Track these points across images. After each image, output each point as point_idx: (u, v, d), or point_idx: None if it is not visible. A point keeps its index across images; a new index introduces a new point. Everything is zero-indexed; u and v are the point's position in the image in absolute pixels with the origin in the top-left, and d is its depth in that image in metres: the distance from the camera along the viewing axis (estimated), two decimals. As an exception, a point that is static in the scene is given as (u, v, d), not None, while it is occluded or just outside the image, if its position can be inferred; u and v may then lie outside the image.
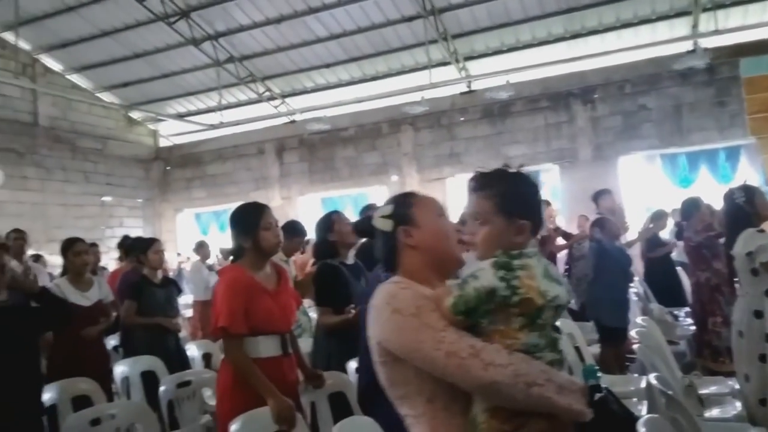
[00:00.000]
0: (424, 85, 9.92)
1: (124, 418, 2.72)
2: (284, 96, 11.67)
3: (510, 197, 1.37)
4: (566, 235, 6.44)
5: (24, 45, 10.44)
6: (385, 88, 10.83)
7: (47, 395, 2.99)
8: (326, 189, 11.82)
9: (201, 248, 7.70)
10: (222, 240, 10.41)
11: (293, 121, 11.99)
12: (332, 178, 11.70)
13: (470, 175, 1.45)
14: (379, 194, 10.62)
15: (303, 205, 11.76)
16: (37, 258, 7.26)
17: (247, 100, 11.85)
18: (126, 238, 6.23)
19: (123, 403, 3.01)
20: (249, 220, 2.56)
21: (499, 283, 1.28)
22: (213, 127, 11.96)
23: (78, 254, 4.07)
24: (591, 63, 9.61)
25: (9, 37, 10.20)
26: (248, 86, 11.33)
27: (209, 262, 7.73)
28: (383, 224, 1.53)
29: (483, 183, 1.41)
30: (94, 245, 6.47)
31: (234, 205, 2.73)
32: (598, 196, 5.36)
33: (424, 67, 9.85)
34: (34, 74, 10.99)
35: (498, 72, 9.90)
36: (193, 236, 11.91)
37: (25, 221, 8.78)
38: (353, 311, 2.87)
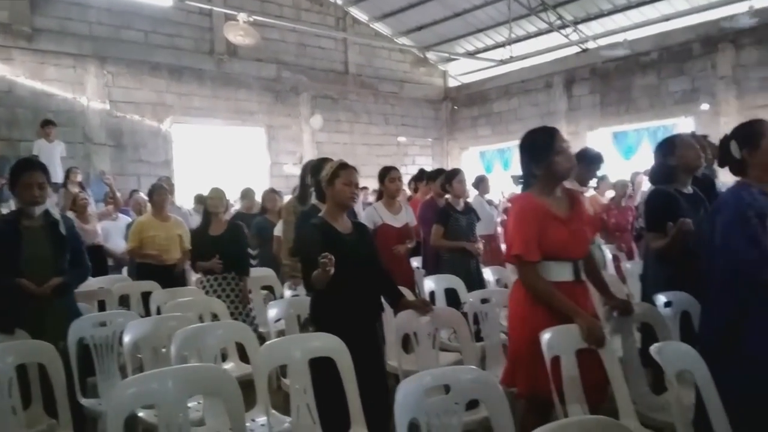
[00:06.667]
0: (753, -8, 8.24)
1: (438, 320, 3.03)
2: (577, 23, 10.95)
3: None
4: None
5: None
6: (702, 0, 9.33)
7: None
8: (620, 122, 10.92)
9: (481, 183, 7.81)
10: (505, 177, 10.51)
11: (585, 50, 11.23)
12: (627, 110, 10.73)
13: None
14: (684, 126, 9.38)
15: (592, 141, 11.08)
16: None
17: (536, 31, 11.49)
18: (422, 171, 6.74)
19: (440, 308, 3.35)
20: (541, 145, 2.45)
21: None
22: (502, 62, 11.94)
23: (392, 180, 4.57)
24: None
25: (326, -7, 11.66)
26: (538, 16, 10.92)
27: (488, 197, 7.82)
28: None
29: None
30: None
31: (518, 143, 2.66)
32: None
33: (755, -31, 8.16)
34: (345, 26, 12.38)
35: None
36: (476, 173, 12.25)
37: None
38: None
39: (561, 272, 2.45)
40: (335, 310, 2.70)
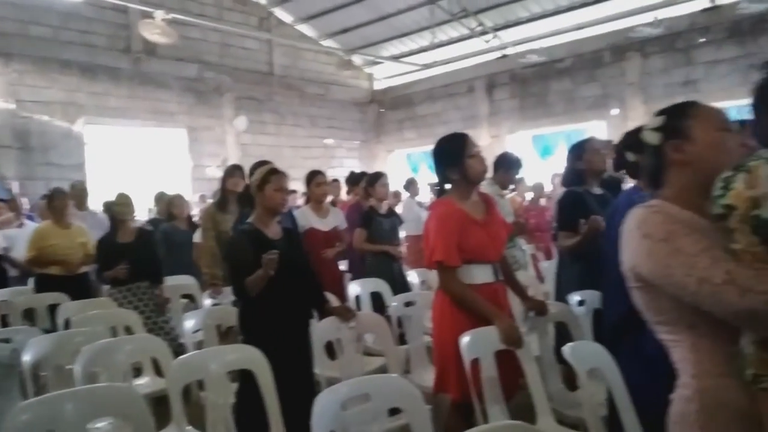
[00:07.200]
0: (657, 4, 8.77)
1: (361, 325, 2.99)
2: (497, 29, 11.26)
3: None
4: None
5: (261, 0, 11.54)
6: (611, 11, 9.80)
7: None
8: (538, 126, 11.32)
9: (411, 185, 7.93)
10: (431, 179, 10.67)
11: (505, 56, 11.57)
12: (545, 114, 11.14)
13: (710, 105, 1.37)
14: (596, 130, 9.86)
15: (513, 144, 11.44)
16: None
17: (458, 36, 11.70)
18: (353, 173, 6.71)
19: (363, 313, 3.32)
20: (454, 151, 2.53)
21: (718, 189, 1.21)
22: (426, 66, 12.10)
23: (319, 185, 4.52)
24: None
25: (249, -7, 11.40)
26: (460, 22, 11.14)
27: (418, 198, 7.95)
28: (650, 137, 1.41)
29: None
30: (336, 181, 7.21)
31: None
32: None
33: (659, -17, 8.69)
34: (269, 26, 12.14)
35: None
36: (404, 175, 12.40)
37: (265, 160, 9.97)
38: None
39: (482, 274, 2.52)
40: (266, 317, 2.65)
